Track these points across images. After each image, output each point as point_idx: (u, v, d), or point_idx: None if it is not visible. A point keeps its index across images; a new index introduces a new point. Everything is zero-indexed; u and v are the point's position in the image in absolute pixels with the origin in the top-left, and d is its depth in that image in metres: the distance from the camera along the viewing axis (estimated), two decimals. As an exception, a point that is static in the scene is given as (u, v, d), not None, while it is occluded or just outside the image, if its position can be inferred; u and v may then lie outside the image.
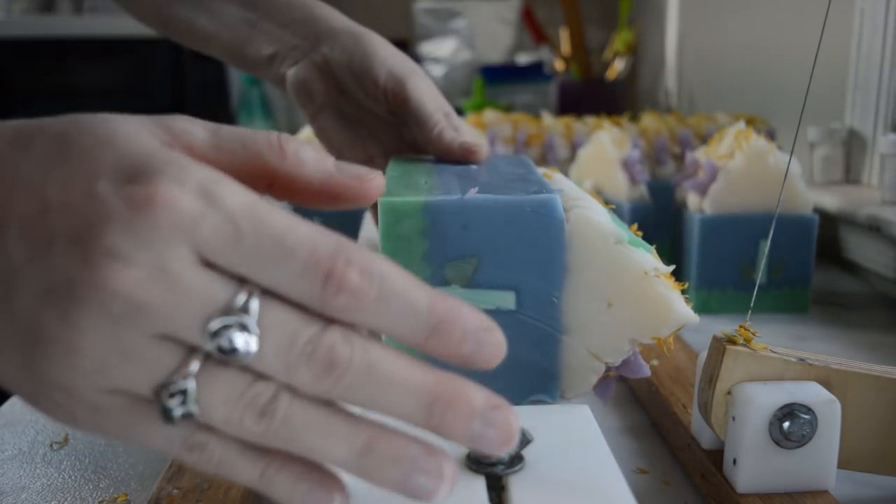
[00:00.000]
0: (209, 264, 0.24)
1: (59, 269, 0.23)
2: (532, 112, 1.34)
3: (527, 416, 0.35)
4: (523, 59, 1.81)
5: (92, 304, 0.23)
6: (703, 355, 0.41)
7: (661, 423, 0.48)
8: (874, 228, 0.77)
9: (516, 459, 0.31)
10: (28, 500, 0.41)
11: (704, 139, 0.90)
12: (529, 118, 0.93)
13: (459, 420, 0.24)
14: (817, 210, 0.74)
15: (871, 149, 0.90)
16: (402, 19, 1.99)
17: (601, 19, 1.90)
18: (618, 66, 1.65)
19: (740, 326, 0.40)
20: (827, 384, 0.38)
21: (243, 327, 0.24)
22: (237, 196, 0.24)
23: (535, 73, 1.68)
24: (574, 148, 0.88)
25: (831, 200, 0.84)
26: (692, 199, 0.72)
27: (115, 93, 2.00)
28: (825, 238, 0.88)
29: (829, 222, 0.88)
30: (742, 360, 0.38)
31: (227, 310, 0.24)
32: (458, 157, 0.49)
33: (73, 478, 0.43)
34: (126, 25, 1.59)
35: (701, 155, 0.74)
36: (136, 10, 0.61)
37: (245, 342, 0.24)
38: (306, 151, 0.28)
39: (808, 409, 0.36)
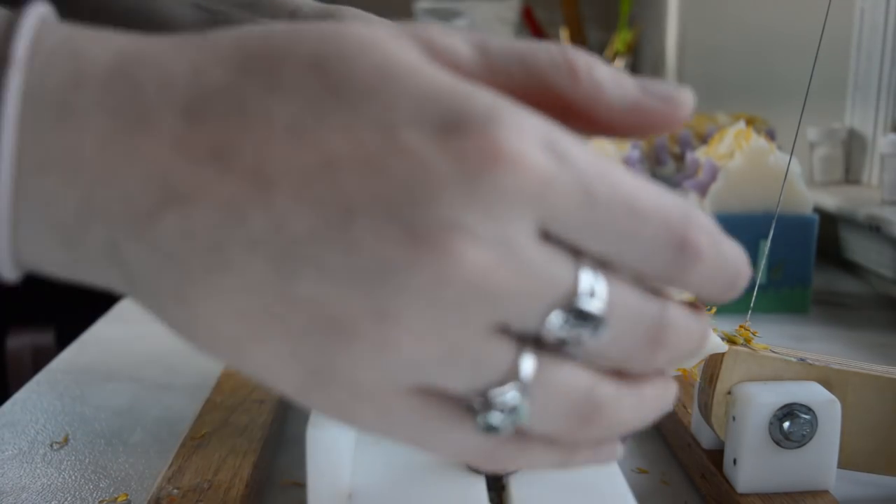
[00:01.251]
0: (547, 236, 0.20)
1: (367, 245, 0.18)
2: (532, 112, 1.34)
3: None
4: (523, 59, 1.80)
5: (421, 290, 0.19)
6: (703, 355, 0.41)
7: (661, 423, 0.48)
8: (874, 228, 0.77)
9: (516, 459, 0.31)
10: (28, 500, 0.41)
11: (704, 139, 0.90)
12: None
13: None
14: (817, 210, 0.74)
15: (871, 149, 0.90)
16: (403, 19, 1.99)
17: (601, 19, 1.90)
18: (618, 66, 1.65)
19: (740, 326, 0.40)
20: (827, 384, 0.38)
21: (587, 315, 0.20)
22: (583, 151, 0.20)
23: (535, 73, 1.67)
24: (574, 148, 0.88)
25: (831, 200, 0.84)
26: (692, 200, 0.72)
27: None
28: (825, 238, 0.88)
29: (829, 222, 0.88)
30: (742, 360, 0.38)
31: (572, 293, 0.20)
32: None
33: (73, 478, 0.43)
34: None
35: (701, 155, 0.74)
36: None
37: (593, 332, 0.20)
38: (601, 70, 0.22)
39: (809, 409, 0.36)
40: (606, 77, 0.22)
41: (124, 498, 0.41)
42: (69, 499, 0.41)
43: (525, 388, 0.20)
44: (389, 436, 0.21)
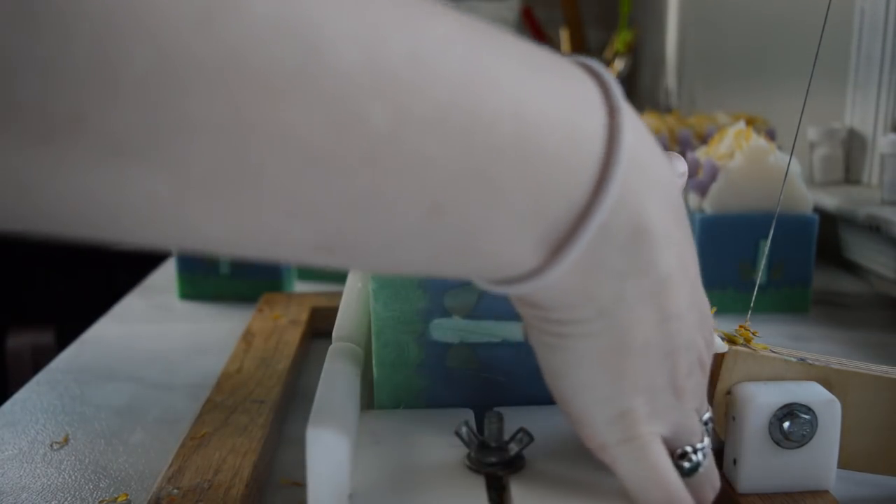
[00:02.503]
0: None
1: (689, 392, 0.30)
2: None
3: (527, 416, 0.35)
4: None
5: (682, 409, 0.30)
6: (703, 355, 0.41)
7: (661, 423, 0.48)
8: (874, 228, 0.77)
9: (516, 459, 0.31)
10: (28, 500, 0.41)
11: (704, 139, 0.90)
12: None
13: None
14: (817, 210, 0.74)
15: (871, 149, 0.90)
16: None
17: (601, 19, 1.90)
18: (618, 66, 1.64)
19: (740, 326, 0.40)
20: (827, 384, 0.38)
21: (702, 456, 0.31)
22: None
23: (535, 73, 1.67)
24: (574, 148, 0.88)
25: (831, 200, 0.84)
26: (692, 199, 0.72)
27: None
28: (825, 238, 0.88)
29: (829, 222, 0.88)
30: (742, 360, 0.38)
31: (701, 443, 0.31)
32: None
33: (73, 478, 0.43)
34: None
35: (701, 155, 0.74)
36: None
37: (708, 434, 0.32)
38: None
39: (809, 409, 0.36)
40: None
41: (124, 498, 0.41)
42: (69, 499, 0.41)
43: (707, 445, 0.31)
44: (629, 464, 0.29)
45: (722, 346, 0.37)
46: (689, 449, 0.30)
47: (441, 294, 0.35)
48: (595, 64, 0.27)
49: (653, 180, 0.26)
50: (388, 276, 0.35)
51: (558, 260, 0.25)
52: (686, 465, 0.30)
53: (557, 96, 0.24)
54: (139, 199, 0.19)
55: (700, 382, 0.30)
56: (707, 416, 0.32)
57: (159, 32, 0.17)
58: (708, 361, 0.30)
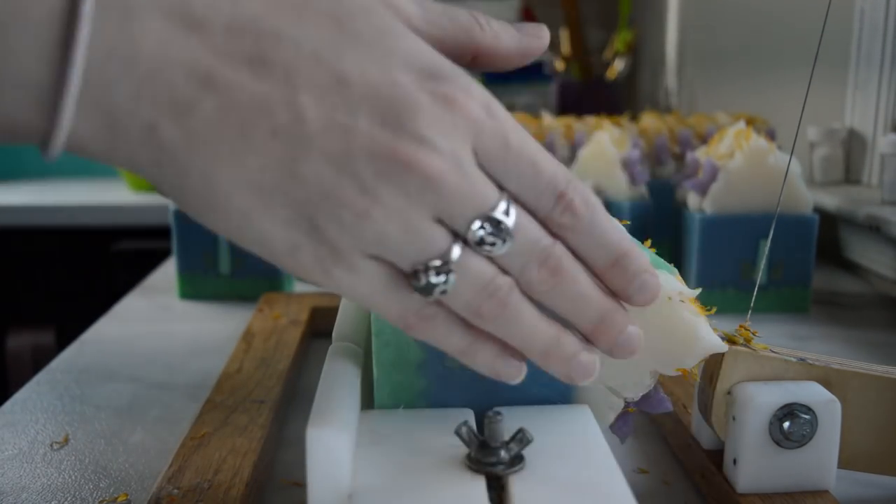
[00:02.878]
0: (481, 167, 0.28)
1: (362, 141, 0.26)
2: (532, 112, 1.34)
3: (527, 416, 0.35)
4: (523, 59, 1.81)
5: (395, 178, 0.26)
6: (703, 355, 0.41)
7: (661, 423, 0.48)
8: (874, 228, 0.77)
9: (516, 459, 0.31)
10: (28, 500, 0.41)
11: (704, 139, 0.90)
12: (530, 118, 0.93)
13: (610, 335, 0.30)
14: (817, 210, 0.74)
15: (871, 149, 0.90)
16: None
17: (601, 19, 1.90)
18: (618, 66, 1.65)
19: (740, 326, 0.40)
20: (827, 384, 0.38)
21: (501, 227, 0.27)
22: (507, 115, 0.28)
23: (535, 73, 1.68)
24: (574, 148, 0.88)
25: (831, 200, 0.84)
26: (692, 199, 0.72)
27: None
28: (825, 238, 0.88)
29: (829, 222, 0.88)
30: (742, 360, 0.38)
31: (493, 208, 0.27)
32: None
33: (73, 478, 0.43)
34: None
35: (701, 155, 0.74)
36: None
37: (502, 239, 0.27)
38: (493, 22, 0.31)
39: (809, 409, 0.37)
40: (500, 28, 0.32)
41: (124, 498, 0.41)
42: (69, 499, 0.41)
43: (451, 265, 0.27)
44: (350, 292, 0.28)
45: (722, 346, 0.35)
46: (419, 268, 0.27)
47: None
48: None
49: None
50: None
51: (59, 119, 0.24)
52: (418, 284, 0.27)
53: None
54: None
55: (404, 184, 0.26)
56: (497, 210, 0.27)
57: None
58: (407, 152, 0.26)
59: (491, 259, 0.28)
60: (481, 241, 0.27)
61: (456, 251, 0.27)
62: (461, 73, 0.28)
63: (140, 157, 0.26)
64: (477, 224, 0.27)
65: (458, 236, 0.27)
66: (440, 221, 0.27)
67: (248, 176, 0.26)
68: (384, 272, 0.27)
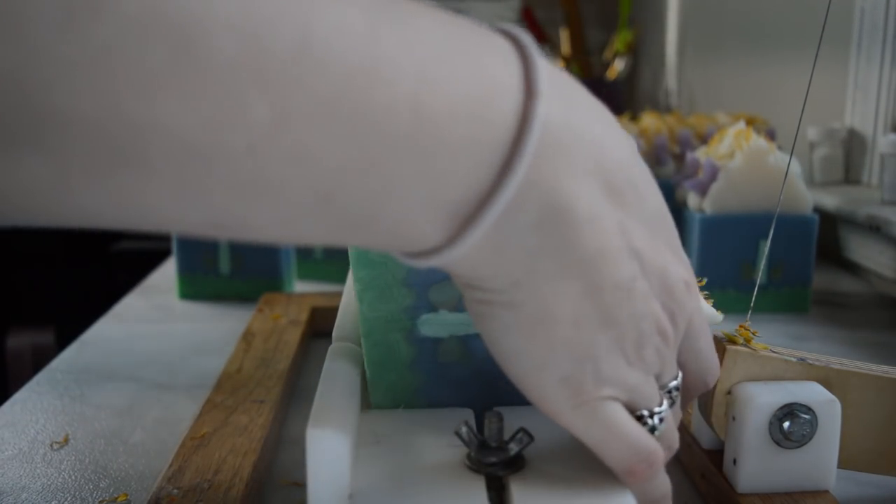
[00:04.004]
0: None
1: (654, 316, 0.30)
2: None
3: (527, 416, 0.35)
4: (523, 59, 1.81)
5: (658, 345, 0.30)
6: (703, 355, 0.41)
7: (661, 423, 0.48)
8: (874, 228, 0.77)
9: (516, 459, 0.31)
10: (28, 500, 0.41)
11: (704, 139, 0.90)
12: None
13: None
14: (817, 210, 0.74)
15: (871, 149, 0.90)
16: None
17: (601, 19, 1.90)
18: (618, 66, 1.65)
19: (740, 326, 0.40)
20: (827, 384, 0.38)
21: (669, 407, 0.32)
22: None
23: (535, 73, 1.67)
24: (574, 148, 0.88)
25: (831, 200, 0.84)
26: (692, 199, 0.72)
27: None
28: (825, 238, 0.88)
29: (829, 222, 0.88)
30: (742, 360, 0.38)
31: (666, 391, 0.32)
32: None
33: (73, 478, 0.43)
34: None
35: (701, 155, 0.74)
36: None
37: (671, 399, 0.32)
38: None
39: (809, 409, 0.36)
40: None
41: (124, 498, 0.41)
42: (69, 499, 0.41)
43: (662, 413, 0.31)
44: (589, 428, 0.29)
45: (717, 316, 0.37)
46: (644, 412, 0.30)
47: (426, 290, 0.35)
48: (524, 37, 0.27)
49: (581, 157, 0.27)
50: (372, 277, 0.35)
51: (462, 238, 0.25)
52: (648, 425, 0.31)
53: (468, 81, 0.24)
54: (25, 182, 0.20)
55: (660, 348, 0.30)
56: (673, 383, 0.32)
57: (21, 33, 0.18)
58: (672, 328, 0.30)
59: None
60: (670, 391, 0.32)
61: (665, 402, 0.31)
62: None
63: (503, 280, 0.27)
64: (672, 384, 0.32)
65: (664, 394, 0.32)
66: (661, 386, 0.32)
67: (573, 311, 0.28)
68: (624, 413, 0.30)
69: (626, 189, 0.28)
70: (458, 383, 0.36)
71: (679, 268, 0.31)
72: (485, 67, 0.25)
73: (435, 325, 0.35)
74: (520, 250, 0.26)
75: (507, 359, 0.29)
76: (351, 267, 0.35)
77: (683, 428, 0.44)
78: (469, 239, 0.25)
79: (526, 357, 0.28)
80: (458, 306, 0.35)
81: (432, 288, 0.35)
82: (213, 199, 0.22)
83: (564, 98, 0.27)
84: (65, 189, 0.21)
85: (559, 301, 0.27)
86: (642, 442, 0.30)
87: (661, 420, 0.31)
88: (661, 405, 0.31)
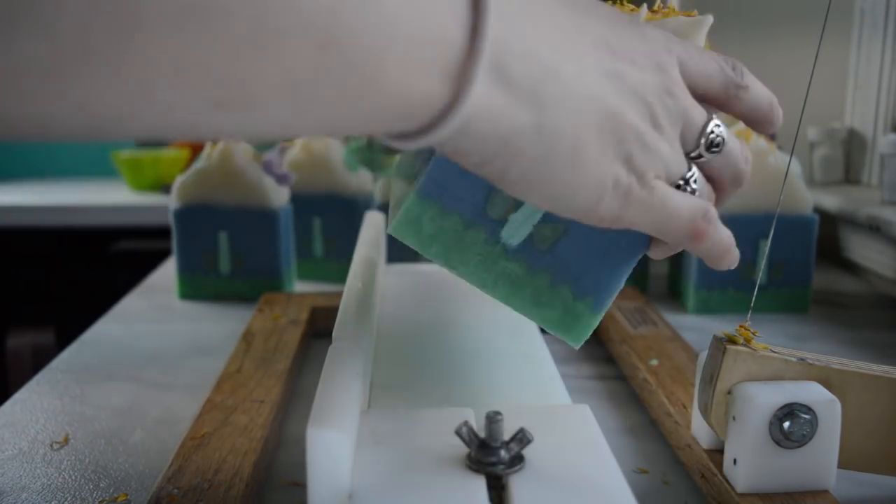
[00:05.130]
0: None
1: (654, 87, 0.31)
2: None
3: (527, 416, 0.35)
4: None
5: (673, 114, 0.32)
6: (703, 355, 0.41)
7: (662, 423, 0.48)
8: (874, 228, 0.77)
9: (516, 459, 0.31)
10: (28, 500, 0.41)
11: (704, 139, 0.90)
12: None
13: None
14: (817, 210, 0.74)
15: (871, 149, 0.90)
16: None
17: (601, 19, 1.90)
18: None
19: (740, 326, 0.40)
20: (827, 384, 0.38)
21: (721, 137, 0.33)
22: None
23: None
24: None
25: (831, 200, 0.84)
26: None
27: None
28: (825, 238, 0.88)
29: (829, 222, 0.88)
30: (742, 360, 0.38)
31: (708, 122, 0.33)
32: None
33: (73, 478, 0.43)
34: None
35: (701, 155, 0.74)
36: None
37: (722, 138, 0.34)
38: (752, 91, 0.37)
39: (809, 409, 0.37)
40: (755, 94, 0.37)
41: (124, 498, 0.41)
42: (69, 499, 0.41)
43: (696, 174, 0.33)
44: (652, 211, 0.31)
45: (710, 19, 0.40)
46: (681, 182, 0.32)
47: (483, 215, 0.36)
48: None
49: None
50: (441, 245, 0.36)
51: (466, 92, 0.25)
52: (708, 148, 0.33)
53: None
54: (25, 64, 0.20)
55: (670, 107, 0.31)
56: (711, 124, 0.33)
57: None
58: (673, 83, 0.31)
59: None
60: (710, 144, 0.33)
61: (693, 167, 0.33)
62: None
63: (523, 120, 0.27)
64: (707, 130, 0.33)
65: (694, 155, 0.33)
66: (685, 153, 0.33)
67: (599, 118, 0.29)
68: (670, 187, 0.32)
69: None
70: (571, 249, 0.37)
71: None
72: None
73: (515, 231, 0.36)
74: (521, 93, 0.27)
75: (554, 199, 0.30)
76: (419, 251, 0.36)
77: (684, 428, 0.44)
78: (475, 91, 0.25)
79: (576, 188, 0.29)
80: (516, 204, 0.36)
81: (485, 209, 0.36)
82: (214, 64, 0.21)
83: None
84: (64, 72, 0.20)
85: (581, 120, 0.28)
86: (695, 204, 0.32)
87: (695, 181, 0.32)
88: (690, 169, 0.32)
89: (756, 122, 0.37)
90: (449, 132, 0.26)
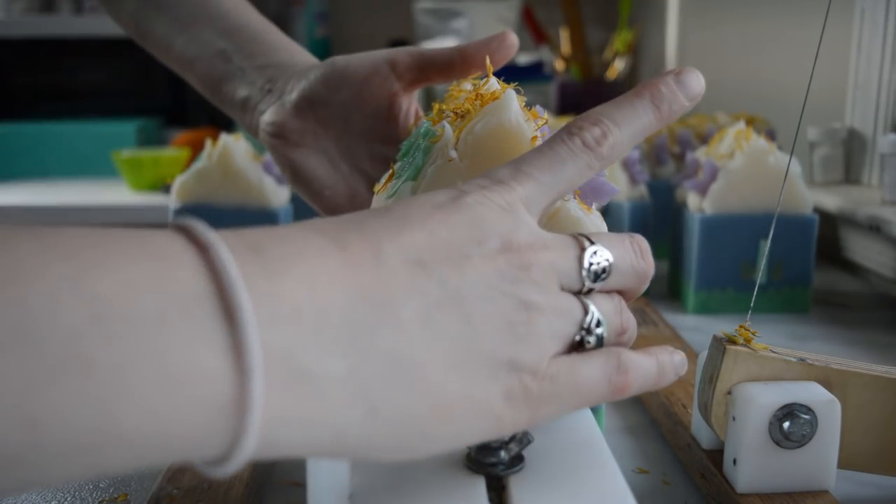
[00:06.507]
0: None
1: (497, 268, 0.27)
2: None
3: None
4: (523, 59, 1.81)
5: (527, 280, 0.28)
6: (703, 355, 0.41)
7: (661, 423, 0.48)
8: (874, 228, 0.77)
9: (516, 459, 0.31)
10: (28, 500, 0.41)
11: (704, 139, 0.90)
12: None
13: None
14: (817, 210, 0.74)
15: (871, 149, 0.90)
16: (402, 19, 1.99)
17: (601, 19, 1.90)
18: (618, 66, 1.65)
19: (740, 326, 0.40)
20: (827, 384, 0.38)
21: (598, 254, 0.30)
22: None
23: (535, 73, 1.68)
24: (574, 148, 0.88)
25: (831, 200, 0.84)
26: (692, 199, 0.72)
27: (115, 93, 2.00)
28: (825, 238, 0.88)
29: (829, 222, 0.88)
30: (742, 360, 0.38)
31: (584, 250, 0.30)
32: (496, 56, 0.48)
33: (73, 478, 0.43)
34: (126, 25, 1.59)
35: (701, 155, 0.74)
36: (117, 17, 0.59)
37: (606, 260, 0.31)
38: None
39: (809, 409, 0.36)
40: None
41: (124, 498, 0.41)
42: (69, 499, 0.41)
43: (599, 313, 0.30)
44: (563, 404, 0.28)
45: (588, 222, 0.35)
46: (580, 336, 0.29)
47: None
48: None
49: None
50: None
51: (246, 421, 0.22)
52: (589, 344, 0.30)
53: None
54: None
55: (539, 274, 0.28)
56: (586, 256, 0.30)
57: None
58: (524, 242, 0.28)
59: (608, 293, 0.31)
60: (595, 275, 0.30)
61: (591, 302, 0.30)
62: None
63: (346, 416, 0.24)
64: (585, 265, 0.30)
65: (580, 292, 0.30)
66: (566, 290, 0.30)
67: (447, 358, 0.26)
68: (573, 360, 0.29)
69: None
70: None
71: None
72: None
73: None
74: (333, 388, 0.24)
75: (448, 443, 0.27)
76: None
77: (684, 428, 0.44)
78: (254, 418, 0.22)
79: (462, 430, 0.26)
80: None
81: None
82: None
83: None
84: None
85: (421, 378, 0.25)
86: (605, 365, 0.29)
87: (598, 323, 0.30)
88: (587, 312, 0.29)
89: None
90: (250, 453, 0.23)
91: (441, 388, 0.25)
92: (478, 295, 0.26)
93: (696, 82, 0.34)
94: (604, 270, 0.30)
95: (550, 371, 0.28)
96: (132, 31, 0.59)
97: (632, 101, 0.32)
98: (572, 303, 0.29)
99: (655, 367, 0.31)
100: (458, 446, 0.27)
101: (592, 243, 0.30)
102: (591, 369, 0.29)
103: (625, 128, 0.32)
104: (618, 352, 0.30)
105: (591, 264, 0.30)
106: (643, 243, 0.32)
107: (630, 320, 0.32)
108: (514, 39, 0.49)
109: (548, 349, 0.28)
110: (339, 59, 0.50)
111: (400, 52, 0.50)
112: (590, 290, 0.30)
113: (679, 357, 0.33)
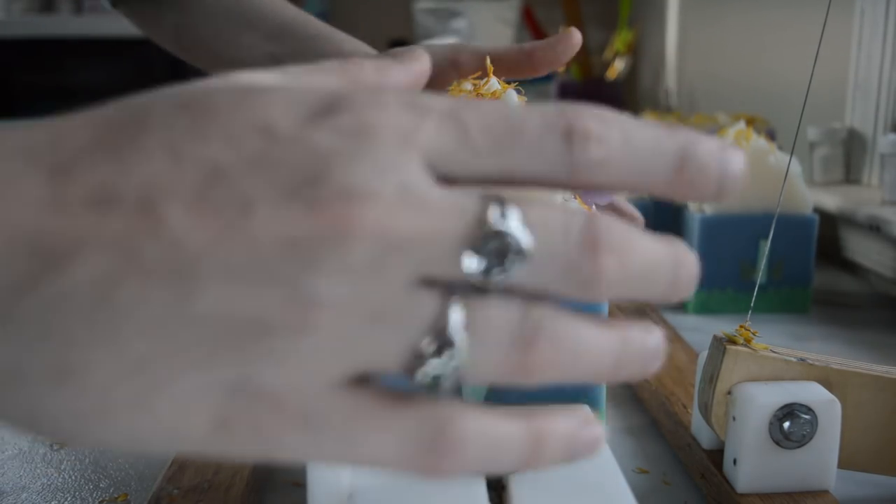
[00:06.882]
0: (445, 180, 0.20)
1: (271, 232, 0.18)
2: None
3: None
4: (523, 59, 1.81)
5: (332, 259, 0.18)
6: (703, 355, 0.41)
7: (661, 423, 0.48)
8: (874, 228, 0.77)
9: (516, 459, 0.31)
10: (28, 500, 0.41)
11: (704, 139, 0.90)
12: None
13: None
14: (817, 210, 0.74)
15: (871, 149, 0.90)
16: (402, 19, 1.99)
17: (601, 19, 1.90)
18: (618, 66, 1.65)
19: (740, 326, 0.40)
20: (827, 384, 0.38)
21: (509, 237, 0.19)
22: (440, 99, 0.20)
23: (535, 73, 1.68)
24: (574, 148, 0.88)
25: (831, 200, 0.84)
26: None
27: (115, 93, 1.99)
28: (825, 238, 0.88)
29: (829, 222, 0.88)
30: (742, 360, 0.38)
31: (485, 221, 0.19)
32: (562, 57, 0.47)
33: (73, 478, 0.43)
34: (126, 25, 1.59)
35: (701, 155, 0.74)
36: (155, 34, 0.59)
37: (517, 253, 0.19)
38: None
39: (809, 409, 0.37)
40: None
41: (124, 498, 0.41)
42: (69, 499, 0.41)
43: (458, 332, 0.19)
44: (320, 455, 0.19)
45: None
46: (412, 364, 0.19)
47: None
48: None
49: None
50: None
51: None
52: (421, 384, 0.19)
53: None
54: None
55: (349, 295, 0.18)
56: (492, 213, 0.19)
57: None
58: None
59: (511, 290, 0.19)
60: (487, 271, 0.19)
61: (455, 313, 0.19)
62: (356, 93, 0.20)
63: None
64: (470, 256, 0.19)
65: (459, 291, 0.19)
66: (425, 284, 0.19)
67: (125, 350, 0.18)
68: (366, 402, 0.19)
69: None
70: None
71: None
72: None
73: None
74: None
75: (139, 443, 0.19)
76: None
77: (684, 428, 0.44)
78: None
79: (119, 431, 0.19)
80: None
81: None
82: None
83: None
84: None
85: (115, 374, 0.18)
86: (415, 428, 0.19)
87: (446, 345, 0.19)
88: (439, 322, 0.19)
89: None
90: None
91: (112, 384, 0.18)
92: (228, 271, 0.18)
93: (738, 164, 0.23)
94: (517, 251, 0.19)
95: (313, 409, 0.19)
96: (173, 46, 0.58)
97: (657, 134, 0.21)
98: (417, 299, 0.19)
99: (523, 441, 0.20)
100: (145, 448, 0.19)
101: (498, 203, 0.19)
102: (383, 428, 0.19)
103: (629, 151, 0.21)
104: (452, 413, 0.19)
105: (488, 238, 0.19)
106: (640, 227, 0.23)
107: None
108: (578, 38, 0.46)
109: (320, 381, 0.19)
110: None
111: (463, 53, 0.46)
112: (482, 286, 0.19)
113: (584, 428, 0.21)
